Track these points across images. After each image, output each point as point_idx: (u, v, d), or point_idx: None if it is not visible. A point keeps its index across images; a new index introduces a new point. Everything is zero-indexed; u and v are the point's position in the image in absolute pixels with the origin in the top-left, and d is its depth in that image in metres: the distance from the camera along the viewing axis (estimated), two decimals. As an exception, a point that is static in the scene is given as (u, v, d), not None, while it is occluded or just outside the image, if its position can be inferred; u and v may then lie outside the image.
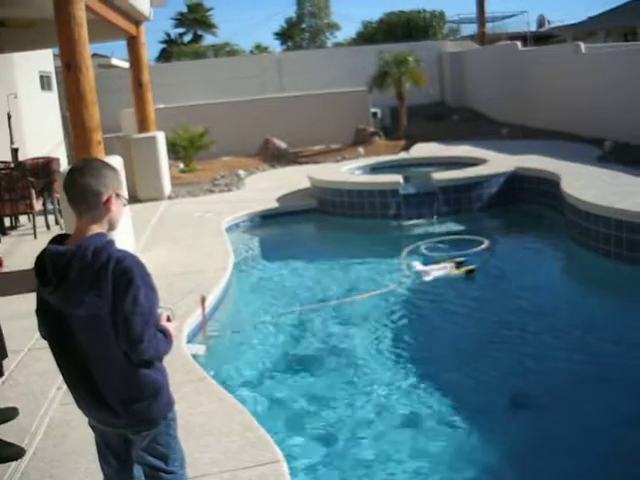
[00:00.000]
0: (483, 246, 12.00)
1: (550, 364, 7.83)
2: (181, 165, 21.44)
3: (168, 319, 3.84)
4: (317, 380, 7.66)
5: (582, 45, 20.98)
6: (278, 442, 5.57)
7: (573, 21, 48.48)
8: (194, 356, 7.57)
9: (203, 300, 8.46)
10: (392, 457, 6.10)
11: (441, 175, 14.69)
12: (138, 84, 16.72)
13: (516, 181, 14.81)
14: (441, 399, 7.08)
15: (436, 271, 10.71)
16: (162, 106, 22.84)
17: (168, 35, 64.09)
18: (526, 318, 9.15)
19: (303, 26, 67.36)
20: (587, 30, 40.16)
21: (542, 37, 45.93)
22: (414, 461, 6.04)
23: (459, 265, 10.77)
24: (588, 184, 12.66)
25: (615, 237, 10.77)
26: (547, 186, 14.15)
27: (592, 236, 11.27)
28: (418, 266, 11.00)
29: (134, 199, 16.42)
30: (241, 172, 20.10)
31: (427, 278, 10.59)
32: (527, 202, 14.68)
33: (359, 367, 7.90)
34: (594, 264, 11.08)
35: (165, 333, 3.70)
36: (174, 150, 20.84)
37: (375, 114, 26.56)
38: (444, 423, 6.65)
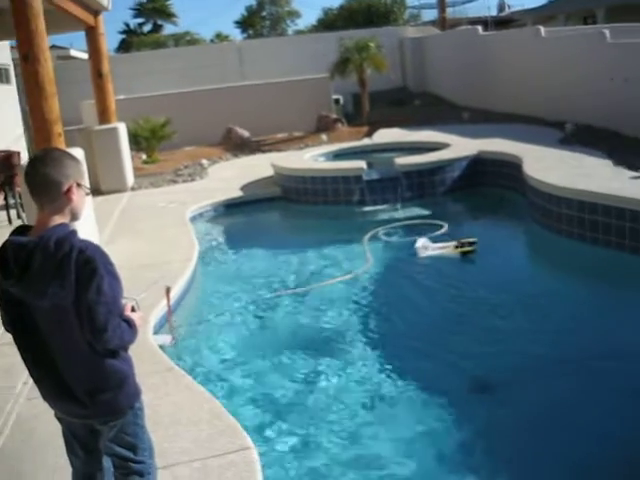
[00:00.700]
0: (443, 230, 12.09)
1: (513, 345, 7.93)
2: (143, 156, 21.31)
3: (133, 309, 3.84)
4: (285, 366, 7.68)
5: (542, 29, 21.08)
6: (247, 429, 5.58)
7: (533, 5, 48.76)
8: (161, 347, 7.55)
9: (168, 291, 8.42)
10: (358, 441, 6.15)
11: (404, 160, 14.73)
12: (98, 75, 16.59)
13: (479, 165, 14.90)
14: (406, 382, 7.15)
15: (436, 249, 10.82)
16: (123, 97, 22.66)
17: (127, 25, 63.46)
18: (489, 300, 9.24)
19: (264, 14, 67.03)
20: (547, 14, 40.31)
21: (503, 22, 46.08)
22: (380, 444, 6.10)
23: (462, 245, 10.79)
24: (550, 166, 12.77)
25: (577, 218, 10.88)
26: (509, 169, 14.25)
27: (554, 218, 11.38)
28: (419, 242, 11.09)
29: (96, 191, 16.27)
30: (204, 162, 20.02)
31: (422, 254, 10.75)
32: (490, 185, 14.76)
33: (325, 353, 7.94)
34: (557, 245, 11.19)
35: (130, 323, 3.69)
36: (136, 141, 20.70)
37: (337, 101, 26.55)
38: (409, 406, 6.73)
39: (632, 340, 7.79)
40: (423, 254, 10.72)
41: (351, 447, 6.06)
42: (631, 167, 12.26)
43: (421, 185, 14.47)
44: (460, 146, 15.89)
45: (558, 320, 8.43)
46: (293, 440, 6.20)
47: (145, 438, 4.02)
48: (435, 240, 11.29)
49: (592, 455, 5.76)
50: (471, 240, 10.70)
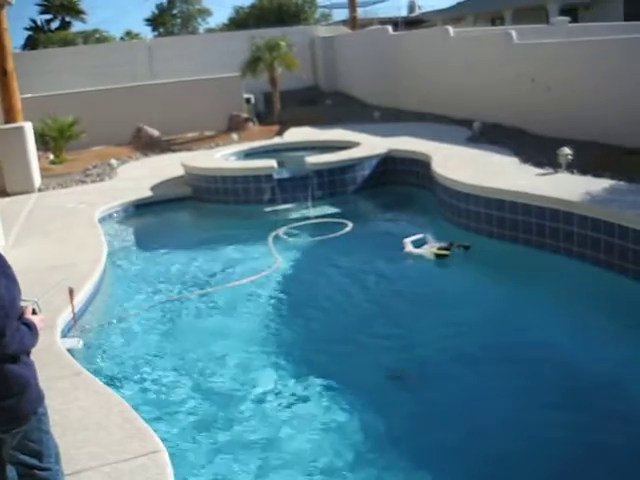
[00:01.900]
0: (347, 229, 12.25)
1: (424, 338, 8.09)
2: (51, 156, 20.84)
3: (34, 312, 3.75)
4: (194, 368, 7.64)
5: (451, 29, 21.41)
6: (158, 432, 5.53)
7: (443, 6, 49.35)
8: (70, 350, 7.40)
9: (71, 292, 8.24)
10: (273, 442, 6.17)
11: (315, 159, 14.80)
12: (2, 72, 16.22)
13: (389, 163, 15.08)
14: (318, 379, 7.20)
15: (419, 249, 10.77)
16: (29, 95, 22.15)
17: (34, 22, 61.93)
18: (400, 296, 9.41)
19: (174, 12, 66.30)
20: (456, 15, 40.91)
21: (413, 22, 46.58)
22: (297, 443, 6.14)
23: (445, 248, 10.63)
24: (458, 164, 12.99)
25: (485, 215, 11.08)
26: (419, 167, 14.46)
27: (463, 215, 11.57)
28: (408, 242, 10.99)
29: (2, 193, 15.93)
30: (113, 161, 19.70)
31: (406, 249, 10.78)
32: (400, 184, 14.94)
33: (236, 353, 7.95)
34: (465, 242, 11.33)
35: (30, 326, 3.61)
36: (43, 141, 20.24)
37: (248, 100, 26.46)
38: (324, 403, 6.78)
39: (537, 332, 8.06)
40: (407, 249, 10.80)
41: (266, 449, 6.07)
42: (537, 164, 12.57)
43: (332, 183, 14.54)
44: (370, 145, 16.03)
45: (467, 314, 8.59)
46: (206, 441, 6.19)
47: (50, 444, 3.94)
48: (420, 242, 11.15)
49: (501, 443, 5.91)
50: (466, 244, 10.60)
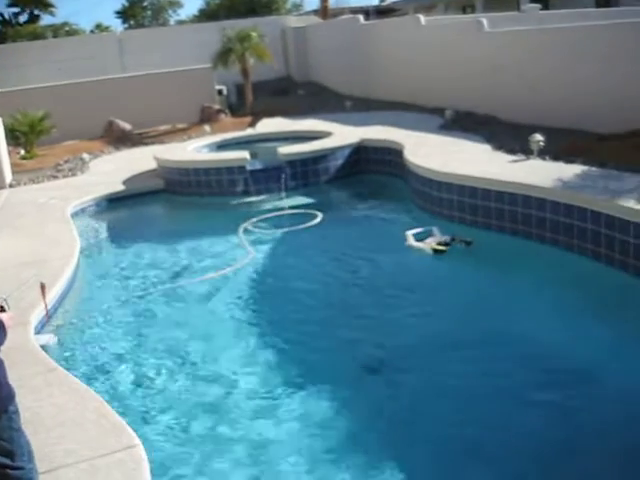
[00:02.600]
0: (317, 220, 12.28)
1: (398, 326, 8.12)
2: (22, 151, 20.68)
3: (2, 309, 3.72)
4: (170, 362, 7.61)
5: (422, 18, 21.40)
6: (134, 427, 5.50)
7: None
8: (43, 347, 7.34)
9: (43, 288, 8.18)
10: (249, 434, 6.18)
11: (287, 150, 14.79)
12: (-31, 68, 16.04)
13: (361, 152, 15.08)
14: (292, 367, 7.28)
15: (420, 243, 10.50)
16: (-2, 90, 22.01)
17: (2, 15, 61.28)
18: (371, 283, 9.53)
19: (145, 4, 65.82)
20: (427, 4, 40.88)
21: (384, 11, 46.46)
22: (270, 431, 6.16)
23: (446, 244, 10.30)
24: (430, 152, 13.02)
25: (458, 202, 11.10)
26: (391, 156, 14.49)
27: (435, 202, 11.59)
28: (409, 235, 10.77)
29: (-28, 189, 15.81)
30: (85, 156, 19.58)
31: (407, 242, 10.57)
32: (373, 172, 14.99)
33: (212, 345, 7.96)
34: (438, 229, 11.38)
35: (-1, 323, 3.58)
36: (13, 136, 20.08)
37: (221, 91, 26.37)
38: (298, 391, 6.79)
39: (510, 316, 8.17)
40: (408, 242, 10.59)
41: (239, 440, 6.07)
42: (509, 151, 12.63)
43: (305, 174, 14.53)
44: (343, 134, 16.04)
45: (442, 300, 8.65)
46: (181, 434, 6.19)
47: (22, 442, 3.90)
48: (423, 235, 10.83)
49: (473, 432, 5.94)
50: (468, 240, 10.17)
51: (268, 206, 13.65)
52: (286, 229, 12.04)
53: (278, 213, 13.03)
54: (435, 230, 10.73)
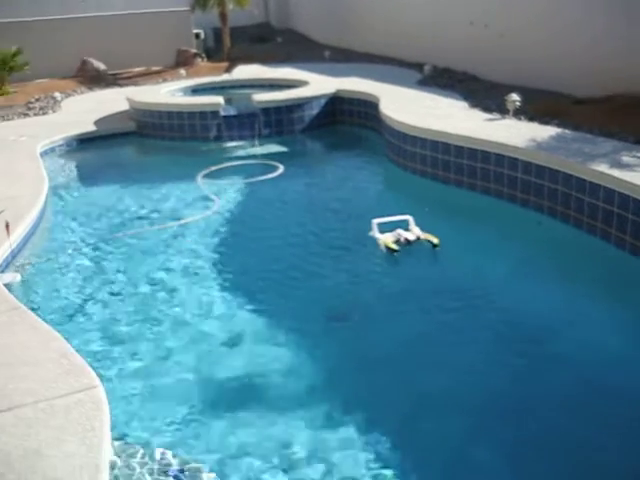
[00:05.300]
0: (279, 172, 12.18)
1: (362, 278, 8.14)
2: (-8, 87, 20.37)
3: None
4: (134, 305, 7.58)
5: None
6: (94, 367, 5.47)
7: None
8: (7, 285, 7.28)
9: (7, 226, 8.08)
10: (214, 378, 6.18)
11: (262, 97, 14.65)
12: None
13: (337, 103, 14.99)
14: (259, 318, 7.23)
15: (381, 235, 9.13)
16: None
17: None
18: (341, 233, 9.57)
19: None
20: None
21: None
22: (237, 380, 6.14)
23: (408, 242, 8.97)
24: (406, 106, 12.96)
25: (431, 158, 11.07)
26: (367, 108, 14.42)
27: (409, 157, 11.55)
28: (374, 224, 9.33)
29: (-60, 124, 15.55)
30: (57, 95, 19.26)
31: (370, 232, 9.24)
32: (348, 124, 14.93)
33: (177, 291, 7.91)
34: (410, 183, 11.41)
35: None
36: (-16, 71, 19.75)
37: (198, 35, 26.05)
38: (265, 341, 6.80)
39: (476, 275, 8.16)
40: (371, 232, 9.22)
41: (205, 385, 6.09)
42: (485, 109, 12.63)
43: (279, 122, 14.42)
44: (319, 84, 15.91)
45: (410, 258, 8.61)
46: (144, 377, 6.20)
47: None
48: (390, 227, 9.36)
49: (439, 386, 5.97)
50: (435, 242, 8.80)
51: (241, 153, 13.61)
52: (247, 179, 11.98)
53: (239, 162, 13.02)
54: (410, 220, 9.32)
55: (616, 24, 12.80)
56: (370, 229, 9.19)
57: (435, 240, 8.79)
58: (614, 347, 6.50)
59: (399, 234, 8.97)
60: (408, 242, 8.90)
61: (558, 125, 11.11)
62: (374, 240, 9.00)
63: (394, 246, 8.73)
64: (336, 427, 5.38)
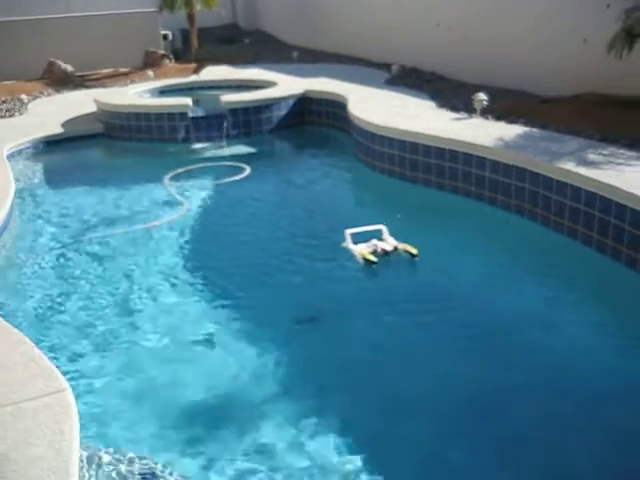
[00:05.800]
0: (245, 173, 12.18)
1: (334, 278, 8.21)
2: (-43, 89, 20.17)
3: None
4: (102, 308, 7.56)
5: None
6: (62, 371, 5.45)
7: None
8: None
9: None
10: (182, 380, 6.18)
11: (230, 98, 14.64)
12: None
13: (305, 103, 15.03)
14: (230, 317, 7.28)
15: (356, 246, 8.85)
16: None
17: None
18: (309, 233, 9.62)
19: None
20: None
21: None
22: (206, 380, 6.15)
23: (385, 253, 8.69)
24: (374, 106, 13.03)
25: (399, 157, 11.12)
26: (335, 108, 14.48)
27: (377, 156, 11.60)
28: (348, 235, 9.00)
29: None
30: (24, 97, 19.09)
31: (343, 244, 8.95)
32: (316, 124, 14.98)
33: (148, 291, 7.91)
34: (378, 183, 11.45)
35: None
36: (-52, 73, 19.56)
37: (166, 36, 25.94)
38: (234, 340, 6.83)
39: (447, 273, 8.23)
40: (344, 244, 8.92)
41: (174, 386, 6.10)
42: (453, 109, 12.71)
43: (247, 123, 14.42)
44: (287, 85, 15.94)
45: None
46: (114, 380, 6.19)
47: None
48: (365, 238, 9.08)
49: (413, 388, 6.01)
50: (413, 252, 8.56)
51: (209, 154, 13.60)
52: (215, 181, 12.00)
53: (206, 164, 13.00)
54: (384, 230, 9.07)
55: (584, 21, 12.91)
56: (343, 240, 8.91)
57: (414, 250, 8.56)
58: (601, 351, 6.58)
59: (375, 244, 8.72)
60: (385, 253, 8.63)
61: (525, 124, 11.19)
62: (347, 251, 8.79)
63: (372, 257, 8.47)
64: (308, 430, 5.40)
